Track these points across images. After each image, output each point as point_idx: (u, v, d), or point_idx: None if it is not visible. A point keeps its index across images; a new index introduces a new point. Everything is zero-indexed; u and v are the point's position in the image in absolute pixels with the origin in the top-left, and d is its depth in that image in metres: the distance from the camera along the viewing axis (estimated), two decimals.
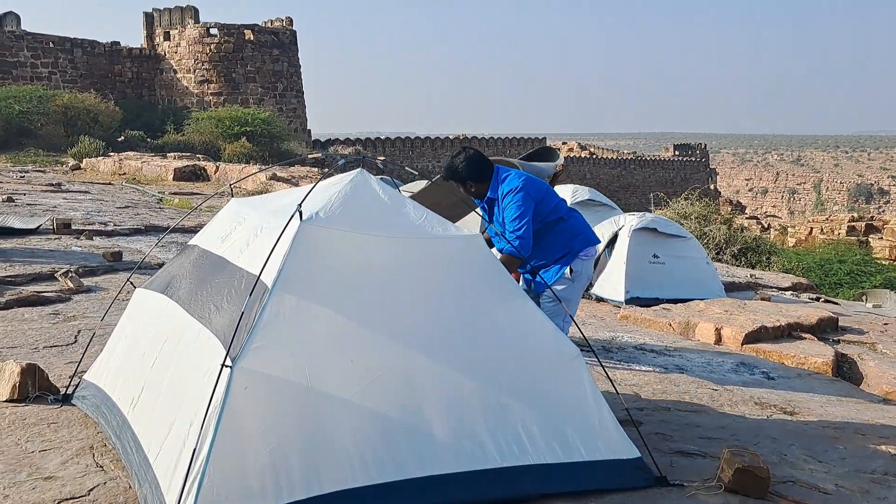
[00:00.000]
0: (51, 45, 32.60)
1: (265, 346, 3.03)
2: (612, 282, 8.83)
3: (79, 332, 5.79)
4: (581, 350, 3.68)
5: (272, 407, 3.00)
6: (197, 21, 34.34)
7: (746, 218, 32.33)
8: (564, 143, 64.82)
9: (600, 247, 9.05)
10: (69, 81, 32.34)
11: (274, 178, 16.88)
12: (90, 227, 10.63)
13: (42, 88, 28.47)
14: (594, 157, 56.69)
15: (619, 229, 9.14)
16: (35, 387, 4.22)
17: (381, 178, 4.25)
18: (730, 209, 38.74)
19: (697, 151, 66.05)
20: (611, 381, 4.00)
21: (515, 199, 4.61)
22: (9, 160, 21.81)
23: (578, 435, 3.40)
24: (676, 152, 65.11)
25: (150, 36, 35.50)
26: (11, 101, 25.65)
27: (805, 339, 7.11)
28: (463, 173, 4.70)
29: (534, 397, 3.41)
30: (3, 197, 12.91)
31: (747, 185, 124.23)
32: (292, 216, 3.30)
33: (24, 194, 14.10)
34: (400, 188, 5.09)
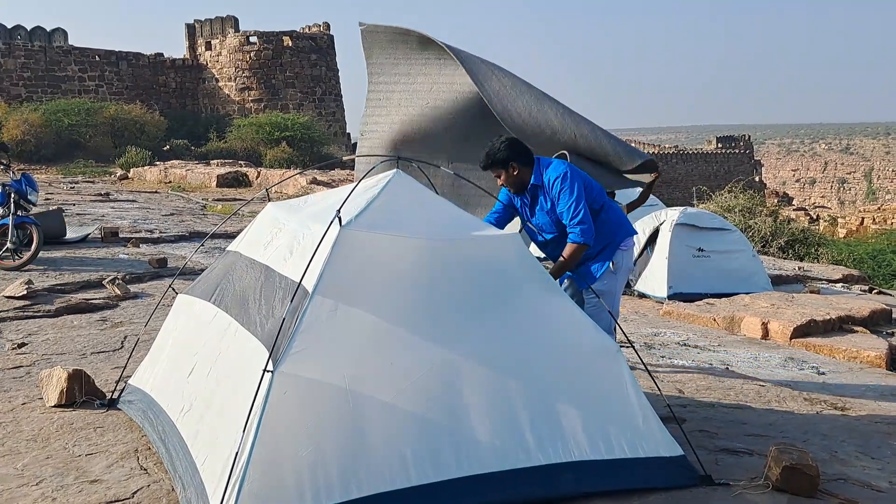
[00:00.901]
0: (97, 58, 33.36)
1: (305, 351, 3.05)
2: (654, 277, 8.73)
3: (125, 337, 5.90)
4: (622, 346, 3.63)
5: (312, 410, 3.01)
6: (237, 30, 34.83)
7: (794, 209, 31.70)
8: None
9: (640, 242, 8.95)
10: (115, 93, 33.06)
11: (314, 181, 17.03)
12: (137, 235, 10.85)
13: (90, 101, 29.18)
14: None
15: (661, 224, 9.03)
16: (82, 392, 4.31)
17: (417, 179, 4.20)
18: (776, 201, 38.00)
19: (741, 143, 64.87)
20: (652, 377, 3.94)
21: (567, 184, 4.34)
22: (59, 172, 22.38)
23: (620, 432, 3.36)
24: (719, 145, 64.02)
25: (192, 46, 36.12)
26: (61, 115, 26.31)
27: (857, 332, 6.93)
28: (504, 153, 4.35)
29: (575, 395, 3.37)
30: (54, 207, 13.23)
31: (794, 175, 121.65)
32: (332, 222, 3.32)
33: (74, 204, 14.44)
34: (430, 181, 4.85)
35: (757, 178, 56.19)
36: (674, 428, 3.57)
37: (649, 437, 3.39)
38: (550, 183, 4.38)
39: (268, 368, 2.97)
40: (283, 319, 3.09)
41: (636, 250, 8.82)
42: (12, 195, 8.40)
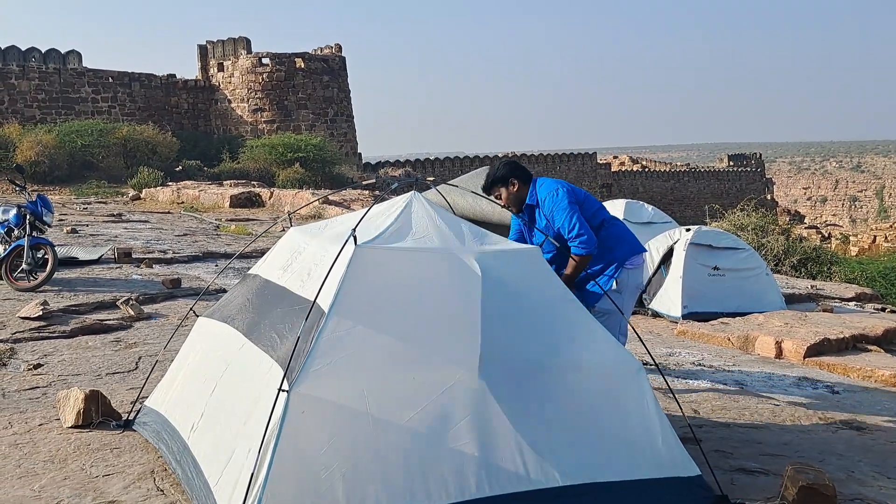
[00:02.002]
0: (110, 80, 33.68)
1: (322, 371, 3.07)
2: (668, 297, 8.71)
3: (139, 358, 5.93)
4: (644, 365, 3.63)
5: (329, 431, 3.02)
6: (249, 51, 35.11)
7: (805, 228, 31.59)
8: (615, 157, 64.30)
9: (654, 261, 8.94)
10: (128, 114, 33.32)
11: (326, 201, 17.10)
12: (150, 256, 10.91)
13: (103, 122, 29.40)
14: (646, 170, 56.08)
15: (675, 243, 9.02)
16: (98, 413, 4.34)
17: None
18: (788, 219, 37.87)
19: (752, 161, 64.84)
20: (674, 396, 3.94)
21: (560, 199, 4.49)
22: (72, 193, 22.55)
23: (640, 451, 3.35)
24: (731, 163, 64.03)
25: (204, 67, 36.41)
26: (74, 136, 26.53)
27: (871, 351, 6.89)
28: (503, 171, 4.63)
29: (596, 413, 3.37)
30: (68, 228, 13.33)
31: (805, 194, 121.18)
32: (347, 240, 3.34)
33: (87, 225, 14.55)
34: (446, 199, 5.04)
35: (769, 196, 56.03)
36: (691, 448, 3.56)
37: (668, 457, 3.39)
38: (542, 201, 4.53)
39: (283, 388, 2.99)
40: (298, 339, 3.11)
41: (650, 269, 8.82)
42: (28, 216, 8.49)
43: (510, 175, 4.61)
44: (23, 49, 31.21)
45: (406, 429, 3.07)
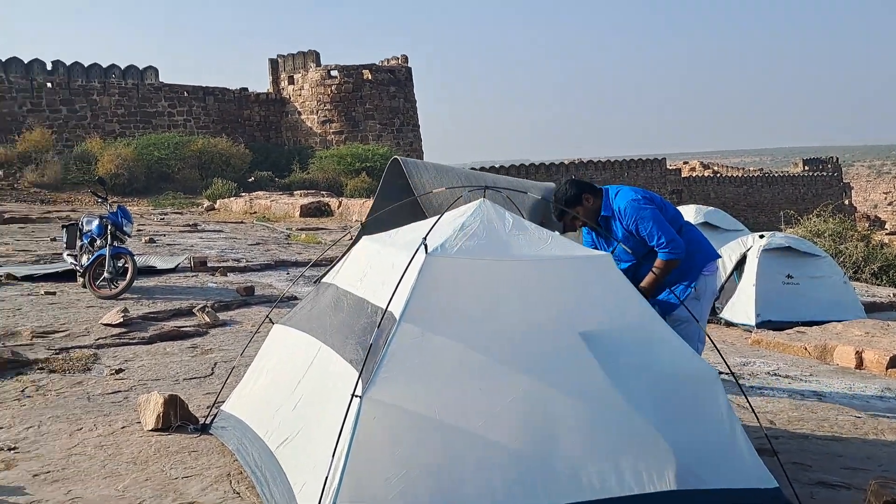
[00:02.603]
0: (185, 94, 34.76)
1: (393, 377, 3.10)
2: (741, 305, 8.51)
3: (215, 364, 6.10)
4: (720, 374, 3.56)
5: (400, 437, 3.06)
6: (318, 64, 35.77)
7: (887, 234, 30.39)
8: (686, 163, 63.10)
9: (727, 268, 8.75)
10: (203, 127, 34.31)
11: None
12: (224, 264, 11.20)
13: (178, 135, 30.36)
14: (718, 175, 54.83)
15: (748, 250, 8.82)
16: (177, 417, 4.47)
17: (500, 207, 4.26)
18: (867, 225, 36.52)
19: (829, 165, 62.79)
20: (750, 406, 3.85)
21: (642, 207, 4.43)
22: (150, 204, 23.32)
23: (715, 462, 3.29)
24: (806, 167, 62.12)
25: (275, 81, 37.26)
26: (152, 149, 27.45)
27: None
28: (573, 190, 4.56)
29: (670, 422, 3.31)
30: (146, 238, 13.79)
31: (886, 198, 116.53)
32: (417, 249, 3.38)
33: (164, 235, 15.02)
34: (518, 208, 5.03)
35: (846, 202, 54.17)
36: (768, 460, 3.48)
37: (744, 468, 3.31)
38: (622, 211, 4.46)
39: (356, 393, 3.03)
40: (371, 345, 3.15)
41: (722, 276, 8.63)
42: (109, 227, 8.82)
43: (581, 192, 4.57)
44: (104, 66, 32.46)
45: (476, 437, 3.08)
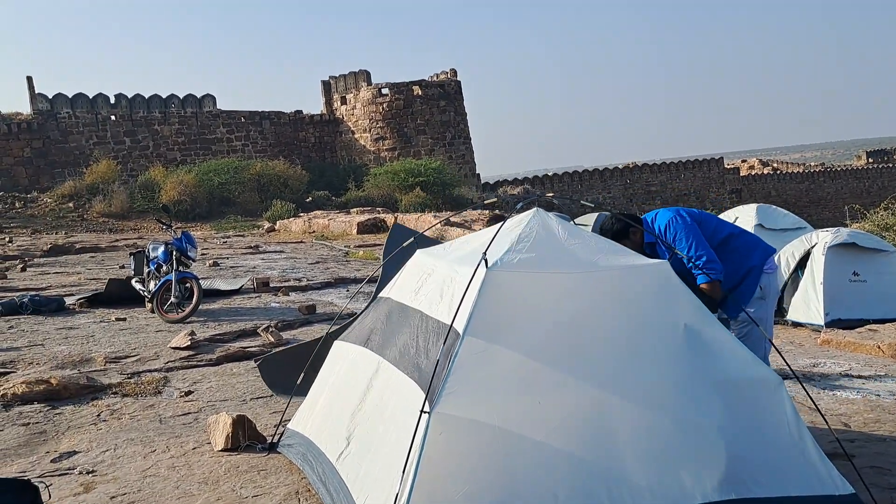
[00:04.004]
0: (242, 119, 35.60)
1: (459, 391, 3.12)
2: (808, 304, 8.29)
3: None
4: (782, 378, 3.48)
5: (466, 450, 3.08)
6: (369, 83, 36.26)
7: None
8: (744, 161, 61.83)
9: (790, 267, 8.54)
10: (260, 151, 35.08)
11: (448, 223, 17.35)
12: (286, 284, 11.40)
13: (237, 160, 31.14)
14: (778, 172, 53.58)
15: (812, 247, 8.59)
16: (245, 436, 4.57)
17: (557, 215, 4.27)
18: None
19: (895, 157, 60.77)
20: (818, 409, 3.75)
21: (678, 227, 4.45)
22: (213, 228, 23.89)
23: (784, 468, 3.22)
24: (870, 160, 60.30)
25: (328, 102, 37.88)
26: (212, 175, 28.16)
27: None
28: (619, 225, 4.59)
29: (734, 430, 3.26)
30: (210, 262, 14.12)
31: None
32: (479, 264, 3.40)
33: (227, 258, 15.36)
34: (573, 221, 5.10)
35: None
36: (843, 464, 3.38)
37: (815, 474, 3.23)
38: (662, 232, 4.46)
39: (424, 409, 3.06)
40: (437, 361, 3.18)
41: (784, 275, 8.44)
42: (174, 253, 9.07)
43: (628, 225, 4.57)
44: (163, 97, 33.48)
45: (539, 449, 3.08)
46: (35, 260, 15.31)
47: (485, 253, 3.43)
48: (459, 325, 3.26)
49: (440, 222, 15.94)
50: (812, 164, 67.06)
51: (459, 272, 3.57)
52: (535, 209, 3.87)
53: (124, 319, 8.85)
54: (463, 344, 3.20)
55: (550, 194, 30.89)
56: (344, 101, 37.08)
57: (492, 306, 3.32)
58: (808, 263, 8.51)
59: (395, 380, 3.52)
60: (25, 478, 3.88)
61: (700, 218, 4.59)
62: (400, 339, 3.73)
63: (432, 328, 3.49)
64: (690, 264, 4.40)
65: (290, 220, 23.35)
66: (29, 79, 30.51)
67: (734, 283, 4.55)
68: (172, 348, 7.34)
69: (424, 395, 3.11)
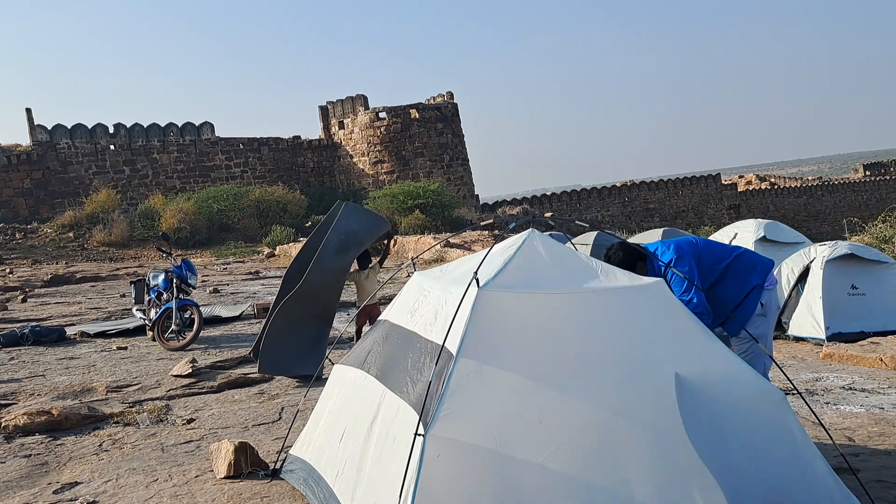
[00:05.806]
0: (241, 146, 35.74)
1: (454, 413, 3.11)
2: (809, 318, 8.28)
3: (282, 409, 6.19)
4: (785, 393, 3.48)
5: (464, 473, 3.06)
6: (366, 107, 36.44)
7: None
8: (741, 177, 61.98)
9: (790, 282, 8.54)
10: (259, 177, 35.20)
11: (447, 244, 17.36)
12: None
13: (236, 186, 31.23)
14: (776, 187, 53.68)
15: (811, 262, 8.59)
16: (248, 463, 4.55)
17: (552, 234, 4.29)
18: None
19: (892, 169, 60.98)
20: (821, 424, 3.74)
21: (678, 268, 4.50)
22: (213, 254, 23.91)
23: (790, 485, 3.20)
24: (867, 172, 60.47)
25: (326, 126, 38.06)
26: (211, 201, 28.25)
27: None
28: (622, 253, 4.55)
29: (739, 447, 3.24)
30: (210, 289, 14.13)
31: None
32: (469, 283, 3.40)
33: (228, 284, 15.36)
34: (571, 241, 5.10)
35: None
36: (848, 479, 3.37)
37: (821, 488, 3.21)
38: (661, 270, 4.52)
39: (419, 432, 3.05)
40: (430, 382, 3.17)
41: (784, 291, 8.44)
42: (174, 280, 9.08)
43: (635, 259, 4.51)
44: (162, 125, 33.62)
45: (539, 470, 3.05)
46: (36, 290, 15.32)
47: (476, 272, 3.43)
48: (452, 345, 3.25)
49: (439, 244, 15.96)
50: (810, 178, 67.22)
51: (453, 293, 3.57)
52: (530, 229, 3.88)
53: (125, 348, 8.85)
54: (457, 364, 3.19)
55: (548, 214, 30.94)
56: (342, 125, 37.26)
57: (484, 326, 3.31)
58: (808, 278, 8.51)
59: (390, 403, 3.51)
60: None
61: (700, 249, 4.64)
62: (395, 361, 3.73)
63: (426, 349, 3.48)
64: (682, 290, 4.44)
65: (290, 244, 23.38)
66: (28, 110, 30.69)
67: (737, 302, 4.59)
68: (174, 376, 7.32)
69: (418, 418, 3.10)
